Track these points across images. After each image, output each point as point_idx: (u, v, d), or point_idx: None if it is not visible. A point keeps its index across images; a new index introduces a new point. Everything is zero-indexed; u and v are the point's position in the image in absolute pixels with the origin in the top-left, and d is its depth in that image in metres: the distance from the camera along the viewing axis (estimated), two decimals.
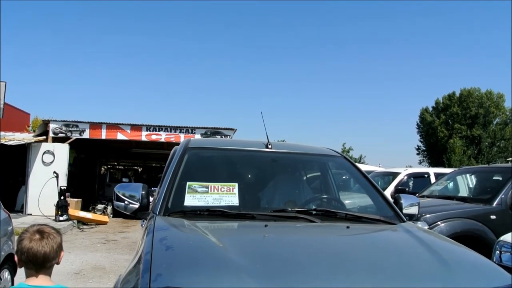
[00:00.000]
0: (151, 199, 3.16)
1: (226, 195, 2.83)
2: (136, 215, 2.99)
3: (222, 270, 1.77)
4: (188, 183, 2.86)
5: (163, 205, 2.70)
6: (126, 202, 2.95)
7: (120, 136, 15.27)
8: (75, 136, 15.04)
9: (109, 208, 15.93)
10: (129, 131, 15.26)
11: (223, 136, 14.95)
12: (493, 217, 5.93)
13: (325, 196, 3.59)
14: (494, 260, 4.11)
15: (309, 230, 2.59)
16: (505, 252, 4.17)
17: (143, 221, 3.69)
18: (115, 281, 2.13)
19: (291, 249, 2.21)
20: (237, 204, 2.78)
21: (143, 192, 2.94)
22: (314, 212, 2.77)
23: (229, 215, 2.64)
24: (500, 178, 6.75)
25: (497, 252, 4.27)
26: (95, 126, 15.19)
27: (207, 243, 2.10)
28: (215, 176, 3.11)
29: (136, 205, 2.92)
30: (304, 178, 3.76)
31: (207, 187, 2.84)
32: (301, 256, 2.07)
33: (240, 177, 3.24)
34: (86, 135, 15.14)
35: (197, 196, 2.80)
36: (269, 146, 3.36)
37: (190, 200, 2.77)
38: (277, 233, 2.50)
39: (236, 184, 2.91)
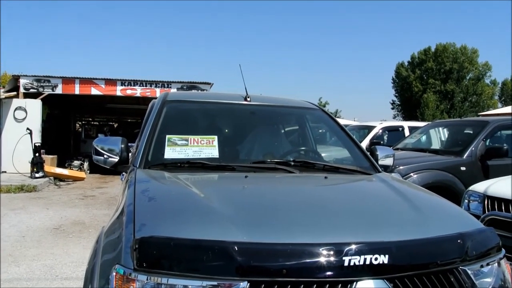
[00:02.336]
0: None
1: (206, 147, 2.84)
2: (116, 168, 2.98)
3: (206, 219, 1.81)
4: (167, 136, 2.85)
5: (143, 158, 2.71)
6: (105, 156, 2.93)
7: (94, 91, 14.95)
8: (48, 91, 14.65)
9: (86, 164, 15.85)
10: (103, 86, 14.95)
11: (199, 90, 14.81)
12: (463, 168, 6.15)
13: (303, 148, 3.65)
14: (463, 208, 4.30)
15: (288, 180, 2.65)
16: (473, 201, 4.36)
17: (123, 175, 3.70)
18: (98, 233, 2.16)
19: (272, 198, 2.27)
20: (217, 156, 2.81)
21: (122, 146, 2.93)
22: (292, 163, 2.83)
23: (210, 167, 2.67)
24: (471, 132, 6.94)
25: (466, 201, 4.46)
26: (68, 81, 14.80)
27: (190, 193, 2.13)
28: (195, 129, 3.11)
29: (116, 159, 2.91)
30: (283, 130, 3.80)
31: (186, 140, 2.85)
32: (282, 205, 2.13)
33: (220, 130, 3.26)
34: (58, 90, 14.77)
35: (177, 148, 2.81)
36: (248, 99, 3.36)
37: (170, 152, 2.78)
38: (257, 184, 2.55)
39: (216, 137, 2.92)
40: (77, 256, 5.37)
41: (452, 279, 1.73)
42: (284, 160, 2.96)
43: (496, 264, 1.93)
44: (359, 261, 1.59)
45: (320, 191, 2.52)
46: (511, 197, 3.78)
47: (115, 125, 25.16)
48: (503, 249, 2.02)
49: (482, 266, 1.86)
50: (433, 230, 1.86)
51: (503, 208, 3.81)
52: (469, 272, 1.78)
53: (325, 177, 2.71)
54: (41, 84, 14.62)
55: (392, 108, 54.67)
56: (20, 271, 4.76)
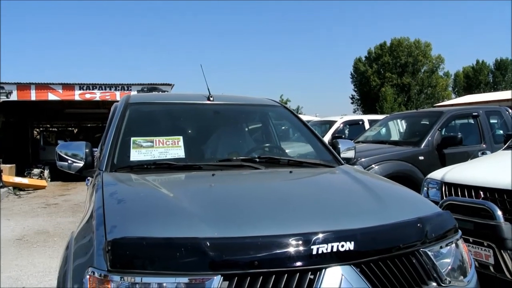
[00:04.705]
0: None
1: (171, 148, 2.86)
2: (81, 173, 2.95)
3: (176, 217, 1.84)
4: (132, 139, 2.85)
5: (108, 161, 2.69)
6: (69, 161, 2.89)
7: (51, 96, 14.53)
8: (2, 98, 14.14)
9: (46, 172, 15.39)
10: (61, 91, 14.55)
11: (160, 92, 14.66)
12: (421, 158, 6.38)
13: (267, 144, 3.72)
14: (422, 195, 4.47)
15: (255, 176, 2.70)
16: (432, 188, 4.53)
17: (88, 180, 3.66)
18: (68, 239, 2.14)
19: (240, 194, 2.32)
20: (183, 156, 2.83)
21: (87, 150, 2.90)
22: (258, 159, 2.88)
23: (176, 167, 2.68)
24: (427, 122, 7.19)
25: (425, 188, 4.63)
26: (23, 87, 14.33)
27: (158, 194, 2.16)
28: (159, 131, 3.11)
29: (81, 164, 2.87)
30: (247, 128, 3.85)
31: (152, 142, 2.86)
32: (250, 200, 2.18)
33: (184, 130, 3.26)
34: (13, 97, 14.27)
35: (143, 150, 2.81)
36: (211, 99, 3.39)
37: (136, 155, 2.78)
38: (225, 181, 2.59)
39: (181, 137, 2.94)
40: (43, 266, 5.25)
41: (414, 261, 1.84)
42: (249, 157, 3.02)
43: (454, 245, 2.06)
44: (326, 249, 1.66)
45: (286, 185, 2.60)
46: (466, 183, 3.96)
47: (75, 131, 24.52)
48: (459, 231, 2.15)
49: (441, 247, 1.97)
50: (394, 216, 1.95)
51: (459, 193, 3.99)
52: (429, 253, 1.89)
53: (290, 172, 2.78)
54: None
55: (352, 103, 55.87)
56: None
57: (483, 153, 6.31)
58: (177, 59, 77.21)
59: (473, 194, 3.85)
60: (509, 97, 17.46)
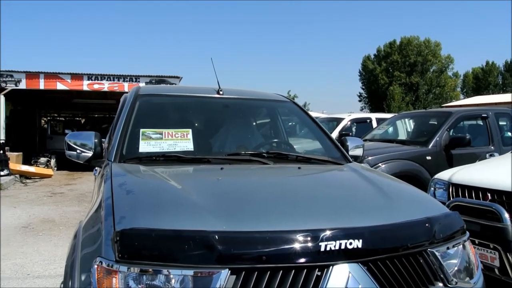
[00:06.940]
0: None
1: (180, 140, 2.86)
2: (89, 163, 2.96)
3: (185, 210, 1.85)
4: (141, 130, 2.86)
5: (117, 152, 2.70)
6: (78, 151, 2.89)
7: (60, 86, 14.59)
8: (10, 86, 14.20)
9: (53, 161, 15.48)
10: (69, 80, 14.60)
11: (168, 84, 14.66)
12: (428, 158, 6.35)
13: (276, 140, 3.71)
14: None
15: (263, 171, 2.70)
16: (439, 189, 4.51)
17: (96, 170, 3.67)
18: (75, 229, 2.15)
19: (249, 188, 2.32)
20: (192, 149, 2.83)
21: (96, 140, 2.90)
22: (266, 154, 2.89)
23: (185, 160, 2.69)
24: (435, 122, 7.15)
25: (432, 188, 4.61)
26: (32, 75, 14.39)
27: (167, 186, 2.16)
28: (168, 123, 3.12)
29: (89, 154, 2.86)
30: (255, 123, 3.85)
31: (161, 134, 2.86)
32: (259, 194, 2.18)
33: (193, 123, 3.27)
34: (22, 85, 14.34)
35: (152, 142, 2.82)
36: (221, 92, 3.39)
37: (145, 146, 2.78)
38: (234, 175, 2.59)
39: (190, 130, 2.95)
40: (48, 254, 5.29)
41: (421, 261, 1.83)
42: (258, 152, 3.02)
43: (461, 246, 2.05)
44: (334, 246, 1.65)
45: (295, 181, 2.59)
46: (474, 184, 3.94)
47: (82, 121, 24.61)
48: (467, 232, 2.14)
49: (448, 248, 1.96)
50: (402, 215, 1.95)
51: (466, 194, 3.97)
52: (436, 254, 1.88)
53: (299, 168, 2.78)
54: (4, 79, 14.17)
55: (359, 101, 55.68)
56: None
57: (491, 155, 6.29)
58: (185, 52, 77.25)
59: (480, 196, 3.83)
60: None
